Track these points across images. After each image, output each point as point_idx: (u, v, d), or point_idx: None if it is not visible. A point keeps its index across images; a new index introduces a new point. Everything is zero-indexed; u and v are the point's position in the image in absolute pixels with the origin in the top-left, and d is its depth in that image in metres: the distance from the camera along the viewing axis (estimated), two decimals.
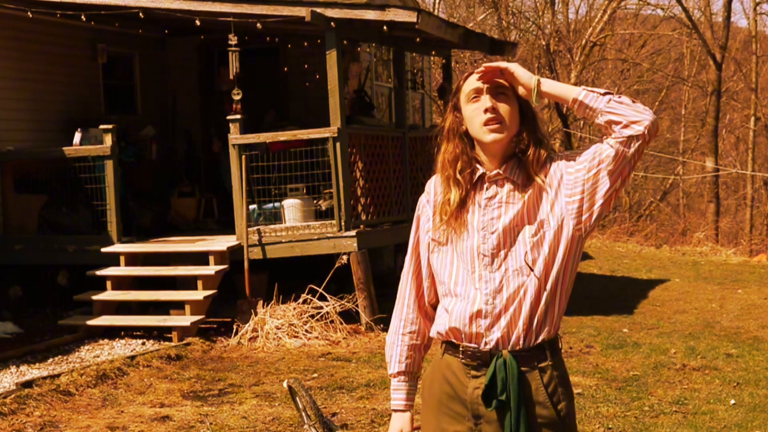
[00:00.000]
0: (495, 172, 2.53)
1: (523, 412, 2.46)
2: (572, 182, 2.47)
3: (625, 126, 2.38)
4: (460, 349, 2.54)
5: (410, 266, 2.69)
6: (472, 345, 2.52)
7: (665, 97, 28.13)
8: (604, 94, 2.42)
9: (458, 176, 2.55)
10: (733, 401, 6.06)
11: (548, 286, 2.49)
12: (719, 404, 6.01)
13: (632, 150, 2.39)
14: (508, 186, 2.52)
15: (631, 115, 2.38)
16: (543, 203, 2.50)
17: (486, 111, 2.49)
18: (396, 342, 2.69)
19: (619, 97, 2.43)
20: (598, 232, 18.73)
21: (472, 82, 2.54)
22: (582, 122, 25.62)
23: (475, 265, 2.51)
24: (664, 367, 7.09)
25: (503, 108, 2.50)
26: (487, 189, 2.54)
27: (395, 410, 2.69)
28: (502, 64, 2.50)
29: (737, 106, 28.73)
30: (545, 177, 2.50)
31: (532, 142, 2.52)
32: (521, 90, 2.50)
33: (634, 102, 2.41)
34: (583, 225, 2.48)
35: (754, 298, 10.70)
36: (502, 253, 2.49)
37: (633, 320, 9.21)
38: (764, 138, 28.46)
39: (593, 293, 10.96)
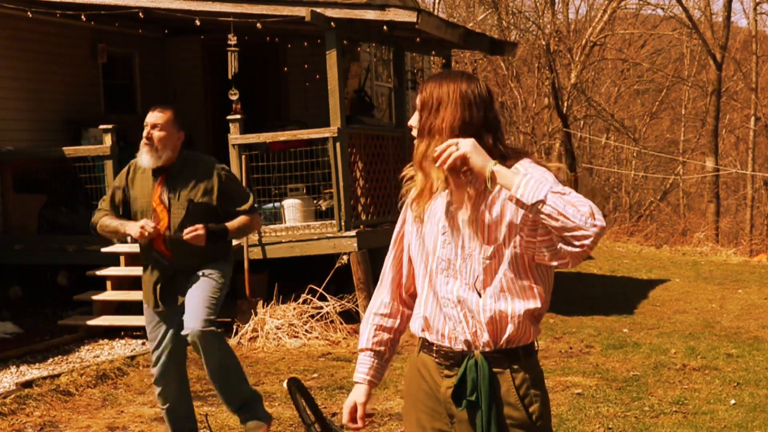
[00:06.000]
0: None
1: (494, 412, 2.47)
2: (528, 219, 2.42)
3: (561, 235, 2.30)
4: (434, 348, 2.57)
5: (392, 253, 2.73)
6: (446, 345, 2.54)
7: (665, 97, 28.13)
8: (534, 204, 2.28)
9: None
10: (733, 401, 6.06)
11: (508, 301, 2.47)
12: (719, 404, 6.00)
13: (567, 252, 2.34)
14: (474, 194, 2.48)
15: (570, 226, 2.28)
16: (504, 214, 2.45)
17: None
18: (369, 321, 2.74)
19: (563, 195, 2.28)
20: None
21: None
22: (582, 122, 25.63)
23: (435, 267, 2.53)
24: (664, 367, 7.09)
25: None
26: (453, 195, 2.52)
27: (355, 382, 2.73)
28: (457, 151, 2.36)
29: (737, 106, 28.72)
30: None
31: (497, 157, 2.42)
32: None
33: (579, 206, 2.27)
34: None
35: (754, 298, 10.70)
36: (458, 264, 2.50)
37: (633, 320, 9.21)
38: (764, 138, 28.46)
39: (593, 293, 10.96)
